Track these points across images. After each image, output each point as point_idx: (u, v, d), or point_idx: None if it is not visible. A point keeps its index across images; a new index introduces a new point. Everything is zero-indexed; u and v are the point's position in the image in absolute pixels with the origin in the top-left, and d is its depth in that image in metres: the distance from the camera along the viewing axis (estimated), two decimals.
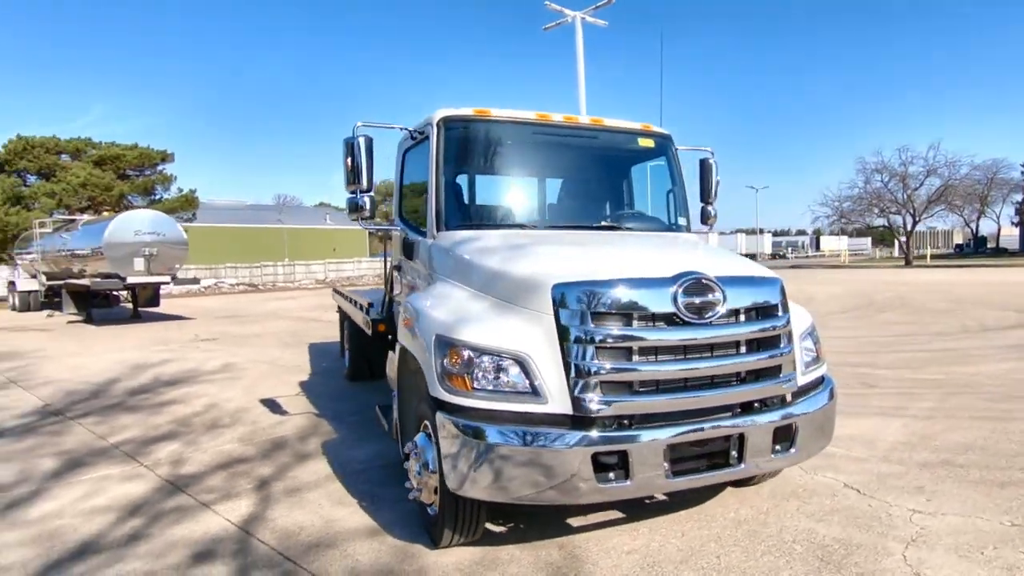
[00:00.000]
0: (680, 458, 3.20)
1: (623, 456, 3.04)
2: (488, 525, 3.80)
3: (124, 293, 20.01)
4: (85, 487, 4.71)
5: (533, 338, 3.11)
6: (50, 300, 22.41)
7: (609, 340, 3.07)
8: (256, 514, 4.13)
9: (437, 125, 4.36)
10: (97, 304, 20.12)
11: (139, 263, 17.23)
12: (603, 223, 4.49)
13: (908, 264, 41.71)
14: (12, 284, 24.51)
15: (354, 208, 4.28)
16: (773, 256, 76.56)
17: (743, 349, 3.36)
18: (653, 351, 3.16)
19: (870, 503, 3.98)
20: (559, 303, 3.11)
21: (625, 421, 3.11)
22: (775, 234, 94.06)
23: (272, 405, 7.26)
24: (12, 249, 27.28)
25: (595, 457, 3.01)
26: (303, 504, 4.28)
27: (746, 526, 3.74)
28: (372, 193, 4.30)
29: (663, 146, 4.90)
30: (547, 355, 3.07)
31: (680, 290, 3.16)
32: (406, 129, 4.66)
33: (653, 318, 3.16)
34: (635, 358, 3.13)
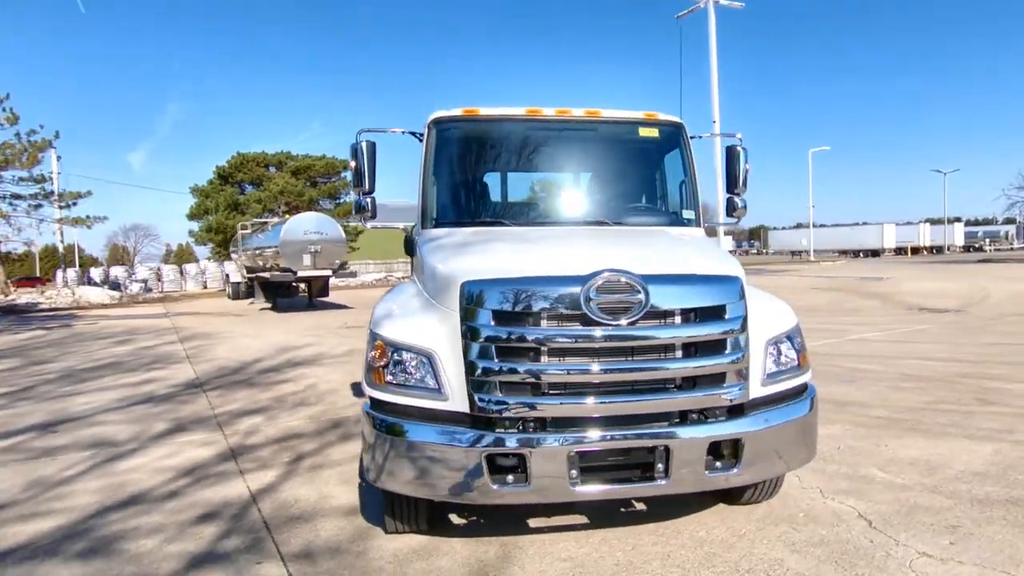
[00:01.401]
0: (595, 467, 3.03)
1: (522, 460, 2.96)
2: (452, 516, 3.91)
3: (301, 284, 22.99)
4: (170, 448, 5.66)
5: (441, 335, 3.14)
6: (251, 290, 26.54)
7: (507, 339, 2.99)
8: (272, 485, 4.65)
9: (429, 126, 4.50)
10: (281, 294, 23.36)
11: (307, 259, 19.78)
12: (589, 219, 4.27)
13: None
14: (227, 277, 29.66)
15: (358, 209, 4.61)
16: (965, 248, 64.44)
17: (677, 354, 3.06)
18: (558, 353, 3.01)
19: (874, 539, 3.37)
20: (469, 300, 3.10)
21: (531, 424, 3.02)
22: (971, 223, 78.93)
23: (357, 388, 7.98)
24: (230, 248, 32.78)
25: (492, 459, 2.97)
26: (314, 480, 4.72)
27: (707, 547, 3.39)
28: (375, 195, 4.59)
29: (672, 135, 4.52)
30: (450, 352, 3.09)
31: (593, 289, 2.97)
32: (407, 132, 4.85)
33: (561, 318, 3.02)
34: (542, 359, 3.01)
